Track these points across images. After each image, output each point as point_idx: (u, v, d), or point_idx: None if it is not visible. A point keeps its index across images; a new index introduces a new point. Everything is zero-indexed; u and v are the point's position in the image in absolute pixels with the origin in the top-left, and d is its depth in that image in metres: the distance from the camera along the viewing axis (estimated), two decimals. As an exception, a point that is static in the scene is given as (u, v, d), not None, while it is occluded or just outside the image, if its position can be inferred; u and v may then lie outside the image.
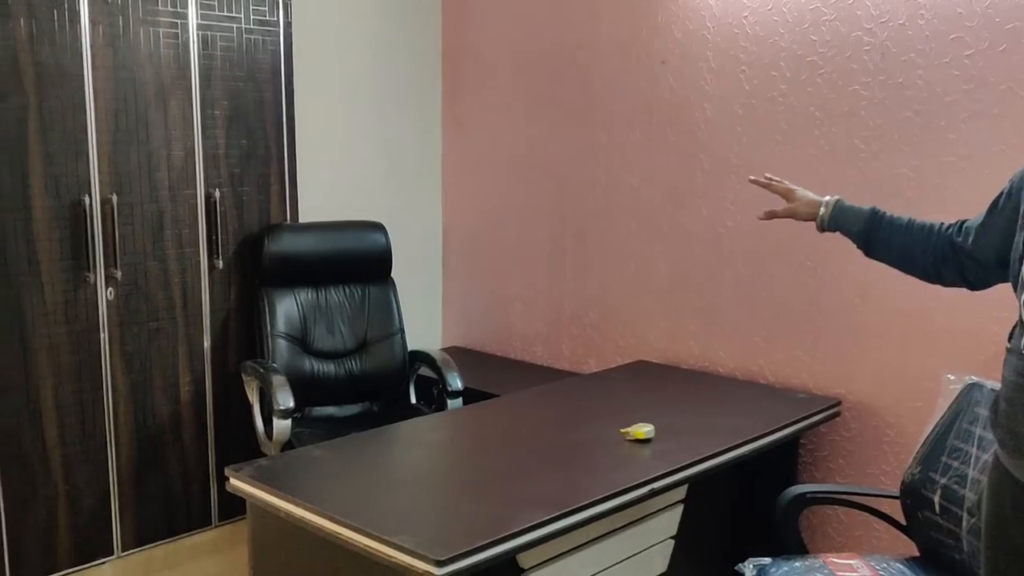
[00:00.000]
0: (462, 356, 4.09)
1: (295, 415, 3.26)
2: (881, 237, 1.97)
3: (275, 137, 3.47)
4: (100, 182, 3.03)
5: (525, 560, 2.14)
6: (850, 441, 3.05)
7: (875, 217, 1.99)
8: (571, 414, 2.80)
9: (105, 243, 3.06)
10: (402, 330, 3.54)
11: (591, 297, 3.77)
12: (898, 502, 2.41)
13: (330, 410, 3.43)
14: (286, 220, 3.53)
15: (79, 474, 3.08)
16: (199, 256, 3.31)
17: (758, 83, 3.17)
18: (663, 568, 2.59)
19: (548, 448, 2.46)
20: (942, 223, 1.91)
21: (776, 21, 3.10)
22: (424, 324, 4.26)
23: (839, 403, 2.98)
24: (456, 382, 3.27)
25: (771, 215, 2.17)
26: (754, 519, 2.90)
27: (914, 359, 2.86)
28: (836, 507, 3.01)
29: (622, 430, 2.49)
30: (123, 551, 3.22)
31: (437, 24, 4.18)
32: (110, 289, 3.09)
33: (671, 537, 2.58)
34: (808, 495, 2.51)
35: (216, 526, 3.43)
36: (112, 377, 3.13)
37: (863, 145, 2.94)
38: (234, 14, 3.31)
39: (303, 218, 3.60)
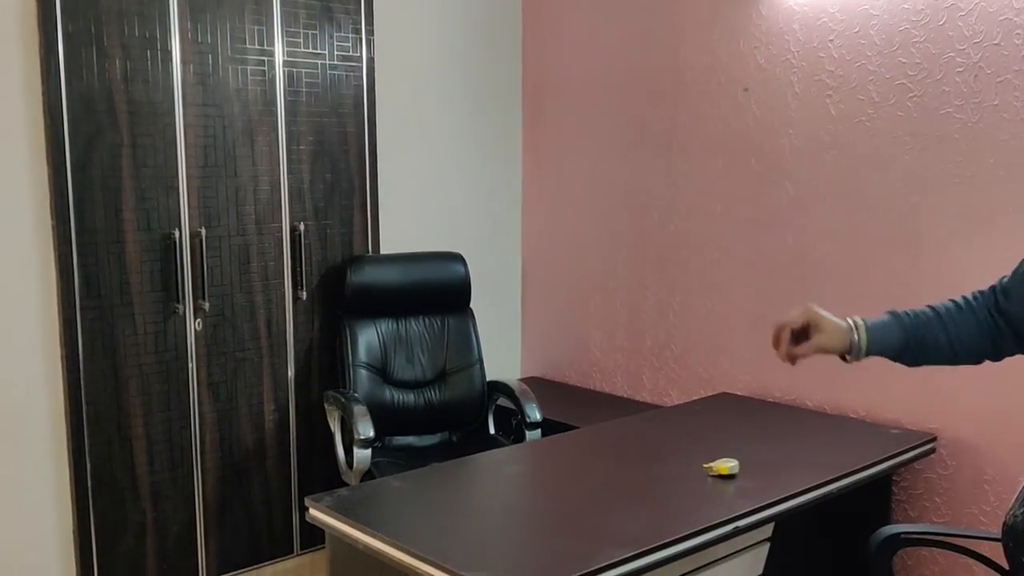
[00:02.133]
0: (541, 387, 4.07)
1: (375, 444, 3.29)
2: (927, 343, 1.72)
3: (358, 170, 3.53)
4: (189, 216, 3.12)
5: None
6: (947, 479, 2.91)
7: (904, 324, 1.72)
8: (652, 448, 2.74)
9: (194, 275, 3.14)
10: (481, 360, 3.53)
11: (672, 327, 3.71)
12: (999, 545, 2.27)
13: (409, 440, 3.44)
14: (368, 251, 3.57)
15: (167, 501, 3.15)
16: (284, 287, 3.37)
17: (844, 108, 3.09)
18: (749, 609, 2.50)
19: (629, 483, 2.41)
20: (970, 297, 1.75)
21: (863, 44, 3.02)
22: (503, 354, 4.25)
23: (934, 438, 2.85)
24: (535, 413, 3.25)
25: (794, 357, 1.77)
26: (845, 560, 2.78)
27: (1017, 393, 2.72)
28: (932, 549, 2.86)
29: (705, 465, 2.42)
30: (208, 578, 3.27)
31: (517, 54, 4.21)
32: (198, 320, 3.17)
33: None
34: (902, 535, 2.39)
35: (298, 554, 3.47)
36: (199, 406, 3.20)
37: (957, 171, 2.83)
38: (319, 50, 3.39)
39: (384, 249, 3.64)
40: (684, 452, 2.60)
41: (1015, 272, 1.69)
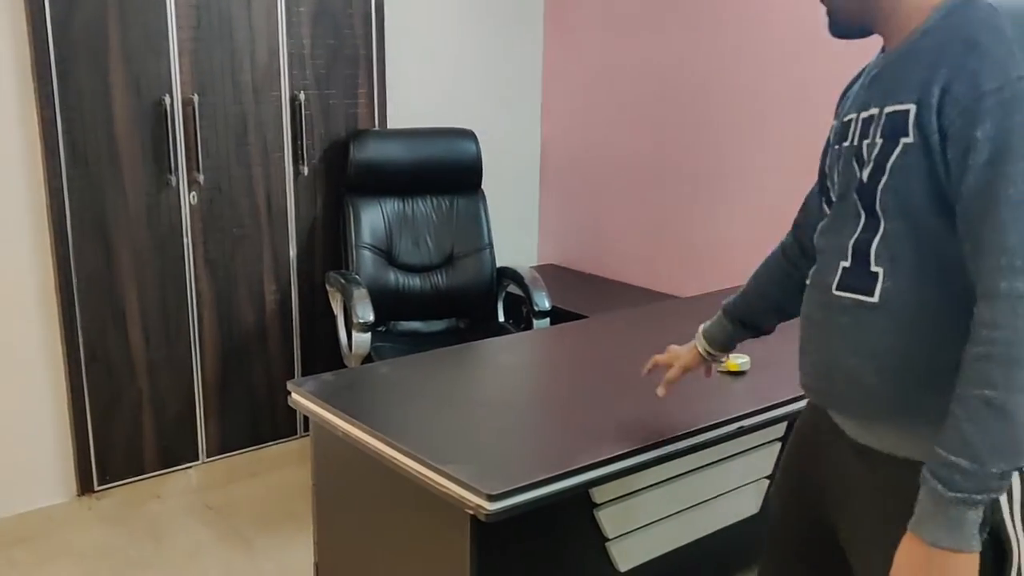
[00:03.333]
0: (556, 274, 3.91)
1: (379, 328, 3.17)
2: (745, 310, 1.74)
3: (363, 36, 3.30)
4: (181, 82, 2.94)
5: (600, 495, 1.97)
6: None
7: (726, 310, 1.77)
8: (662, 340, 2.56)
9: (187, 145, 2.98)
10: (491, 245, 3.37)
11: (696, 216, 3.50)
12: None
13: (415, 325, 3.32)
14: (374, 126, 3.37)
15: (164, 380, 3.07)
16: (284, 161, 3.20)
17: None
18: (755, 509, 2.37)
19: (632, 376, 2.26)
20: (776, 248, 1.72)
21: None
22: (519, 240, 4.09)
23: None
24: (543, 301, 3.10)
25: (667, 387, 1.86)
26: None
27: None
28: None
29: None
30: (208, 457, 3.22)
31: (541, -83, 3.88)
32: (193, 193, 3.02)
33: (765, 477, 2.36)
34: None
35: (301, 436, 3.41)
36: (196, 283, 3.09)
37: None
38: (321, -97, 3.12)
39: (391, 124, 3.44)
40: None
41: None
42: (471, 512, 1.58)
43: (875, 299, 1.22)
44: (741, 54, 3.24)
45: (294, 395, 2.08)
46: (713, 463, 2.15)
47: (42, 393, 2.88)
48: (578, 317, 3.16)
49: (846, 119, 1.31)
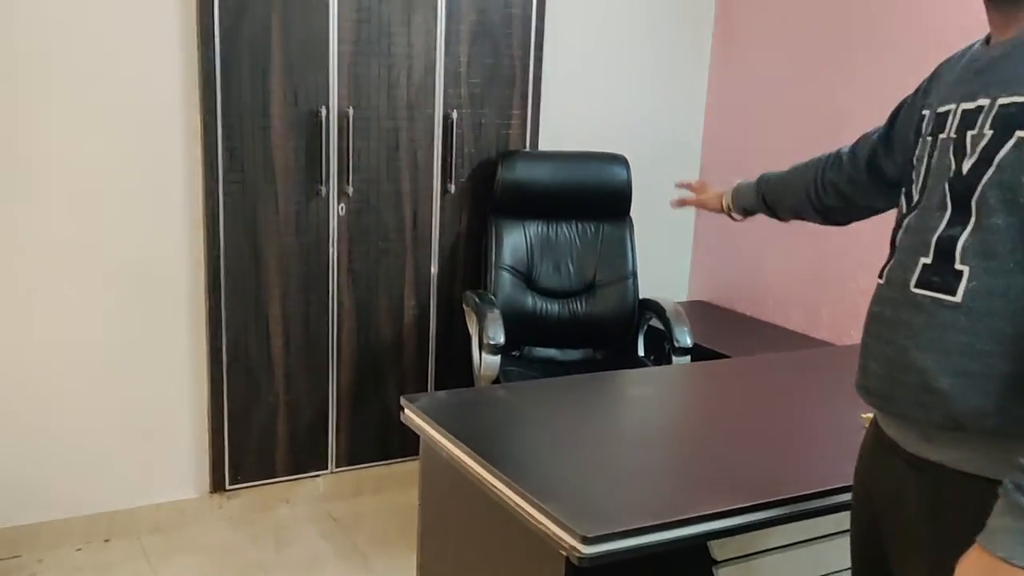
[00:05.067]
0: (706, 311, 3.72)
1: (512, 352, 3.10)
2: (772, 195, 1.95)
3: (521, 57, 3.26)
4: (338, 94, 2.98)
5: (720, 551, 1.79)
6: None
7: (761, 180, 1.97)
8: (808, 389, 2.37)
9: (340, 157, 3.02)
10: (634, 274, 3.23)
11: (862, 258, 3.23)
12: None
13: (550, 352, 3.22)
14: (525, 147, 3.32)
15: (300, 385, 3.11)
16: (432, 178, 3.19)
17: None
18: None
19: (770, 425, 2.08)
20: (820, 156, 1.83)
21: None
22: (669, 272, 3.92)
23: None
24: (684, 337, 2.93)
25: (681, 203, 2.23)
26: None
27: None
28: None
29: (864, 415, 2.04)
30: (336, 467, 3.23)
31: (715, -59, 3.74)
32: (342, 205, 3.06)
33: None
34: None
35: (431, 456, 3.36)
36: (338, 293, 3.11)
37: None
38: (487, -77, 3.12)
39: (543, 146, 3.38)
40: (845, 397, 2.21)
41: (890, 123, 1.61)
42: (564, 553, 1.46)
43: (957, 299, 1.15)
44: (902, 89, 2.97)
45: (406, 411, 2.02)
46: (842, 532, 1.93)
47: (184, 388, 2.97)
48: (721, 356, 2.98)
49: (941, 110, 1.26)
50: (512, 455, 1.76)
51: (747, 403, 2.24)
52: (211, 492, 3.06)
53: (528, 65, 3.27)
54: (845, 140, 3.45)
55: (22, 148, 2.64)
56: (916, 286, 1.22)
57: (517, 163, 3.18)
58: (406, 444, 3.32)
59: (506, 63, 3.23)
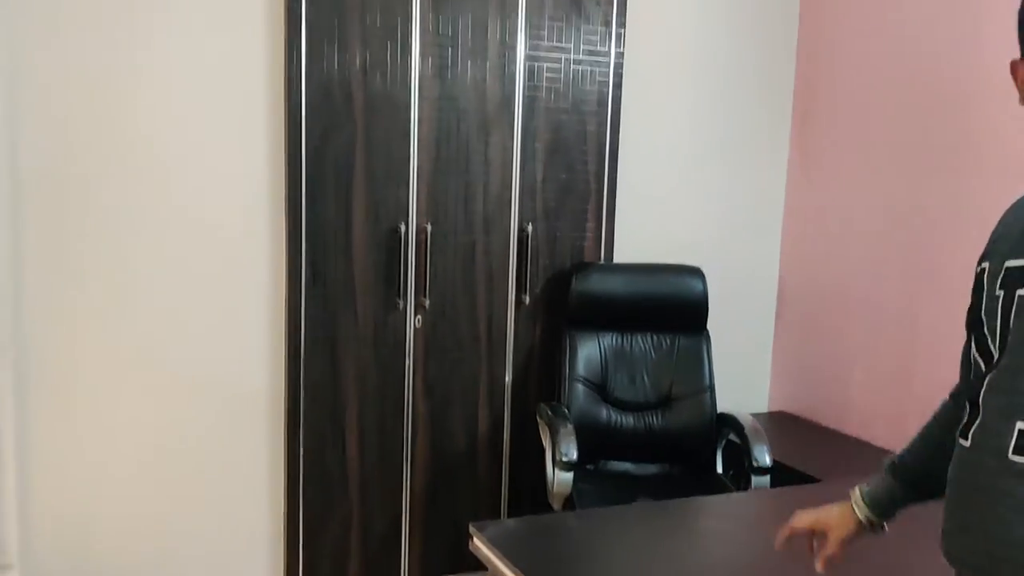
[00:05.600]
0: (787, 424, 3.63)
1: (587, 466, 3.07)
2: (925, 471, 1.49)
3: (595, 172, 3.31)
4: (418, 211, 3.07)
5: None
6: None
7: (898, 468, 1.53)
8: (899, 522, 2.27)
9: (417, 271, 3.09)
10: (712, 388, 3.18)
11: (949, 370, 3.12)
12: None
13: (625, 466, 3.17)
14: (599, 259, 3.34)
15: (375, 497, 3.13)
16: (507, 290, 3.23)
17: None
18: None
19: (858, 565, 1.99)
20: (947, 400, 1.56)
21: None
22: (749, 383, 3.85)
23: None
24: (764, 456, 2.86)
25: (826, 564, 1.58)
26: None
27: None
28: None
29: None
30: (409, 580, 3.21)
31: (790, 52, 3.77)
32: (418, 317, 3.11)
33: None
34: None
35: (504, 569, 3.32)
36: (413, 403, 3.15)
37: None
38: (564, 44, 3.21)
39: (619, 258, 3.39)
40: (936, 533, 2.11)
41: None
42: None
43: None
44: (998, 203, 2.91)
45: (475, 539, 2.01)
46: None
47: (262, 499, 3.02)
48: (804, 476, 2.89)
49: (1015, 264, 1.21)
50: (580, 593, 1.73)
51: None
52: (286, 607, 3.07)
53: (603, 180, 3.32)
54: (921, 245, 3.38)
55: (130, 256, 2.80)
56: (1015, 453, 1.15)
57: (591, 275, 3.20)
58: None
59: (581, 177, 3.29)
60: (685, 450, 3.16)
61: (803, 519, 1.59)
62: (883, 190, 3.40)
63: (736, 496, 2.68)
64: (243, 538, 3.02)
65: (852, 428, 3.52)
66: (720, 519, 2.30)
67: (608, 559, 1.93)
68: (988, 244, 1.34)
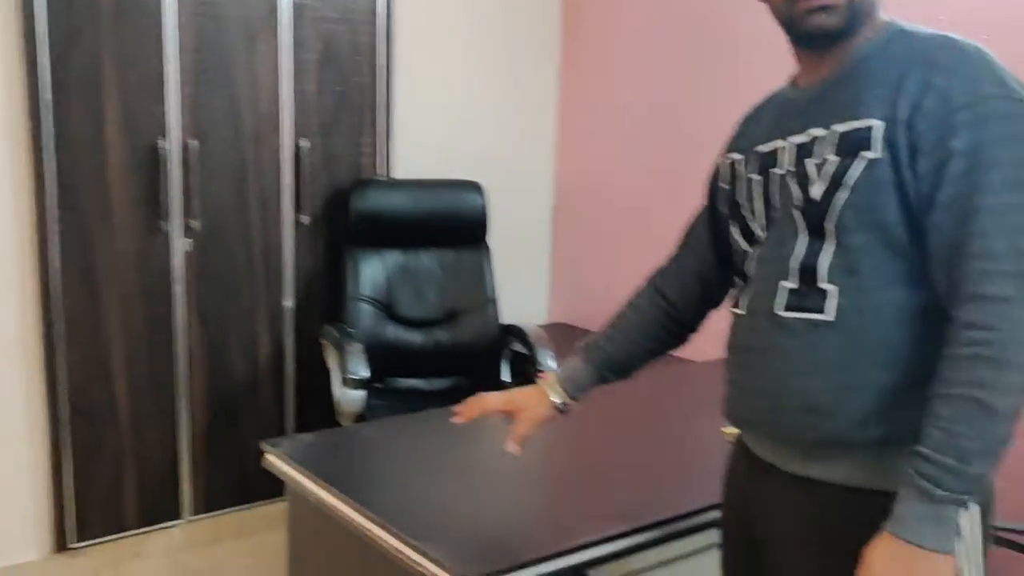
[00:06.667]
0: (567, 334, 3.76)
1: (375, 385, 3.03)
2: (622, 357, 1.59)
3: (370, 85, 3.22)
4: (179, 126, 2.85)
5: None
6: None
7: (594, 355, 1.59)
8: (671, 407, 2.42)
9: (184, 191, 2.88)
10: (495, 300, 3.23)
11: (712, 275, 3.35)
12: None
13: (414, 382, 3.17)
14: (379, 175, 3.27)
15: (148, 432, 2.94)
16: (283, 211, 3.09)
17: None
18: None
19: (637, 447, 2.11)
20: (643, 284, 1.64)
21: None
22: (528, 296, 3.95)
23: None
24: (549, 361, 2.95)
25: (519, 444, 1.59)
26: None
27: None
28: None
29: (724, 430, 2.10)
30: (192, 515, 3.06)
31: (557, -33, 3.81)
32: (187, 241, 2.92)
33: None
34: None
35: (293, 497, 3.24)
36: (187, 334, 2.96)
37: None
38: (331, -51, 3.06)
39: (398, 174, 3.34)
40: (706, 413, 2.27)
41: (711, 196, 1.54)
42: (446, 596, 1.42)
43: (829, 316, 1.20)
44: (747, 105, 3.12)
45: (268, 456, 1.93)
46: (712, 545, 1.97)
47: (21, 443, 2.75)
48: (585, 379, 3.01)
49: (765, 149, 1.32)
50: (383, 496, 1.71)
51: (614, 425, 2.26)
52: (55, 552, 2.83)
53: (378, 92, 3.23)
54: (689, 149, 3.55)
55: None
56: (786, 310, 1.25)
57: (370, 192, 3.13)
58: (268, 486, 3.17)
59: (356, 91, 3.18)
60: (473, 362, 3.20)
61: (495, 400, 1.61)
62: (655, 97, 3.54)
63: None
64: (3, 485, 2.74)
65: (626, 333, 3.71)
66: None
67: (407, 462, 1.93)
68: (734, 139, 1.46)
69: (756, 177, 1.34)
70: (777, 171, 1.29)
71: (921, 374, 1.13)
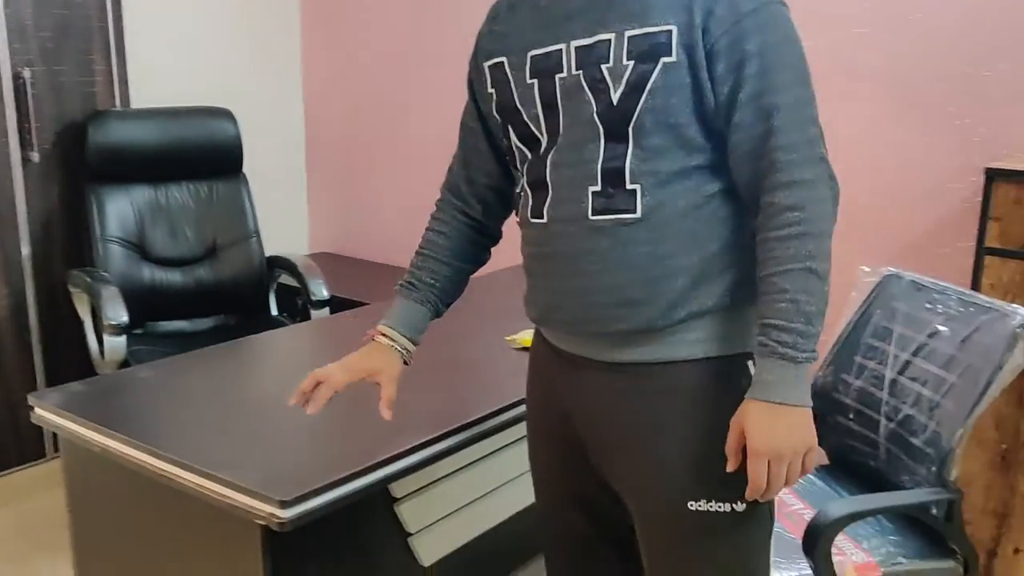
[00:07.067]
0: (332, 263, 3.72)
1: (135, 331, 2.86)
2: (448, 290, 1.57)
3: (98, 5, 2.94)
4: None
5: (399, 489, 1.84)
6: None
7: (424, 295, 1.54)
8: (451, 323, 2.48)
9: None
10: (257, 233, 3.12)
11: (472, 194, 3.42)
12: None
13: (178, 325, 3.02)
14: (115, 106, 3.03)
15: None
16: (8, 148, 2.79)
17: None
18: (554, 487, 2.34)
19: (425, 362, 2.14)
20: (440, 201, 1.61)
21: None
22: (287, 227, 3.85)
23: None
24: (321, 290, 2.91)
25: (388, 407, 1.51)
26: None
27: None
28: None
29: (507, 337, 2.20)
30: (-66, 492, 2.78)
31: None
32: None
33: (563, 453, 2.33)
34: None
35: (52, 458, 3.01)
36: (-95, 292, 2.63)
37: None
38: None
39: (138, 104, 3.11)
40: (486, 325, 2.36)
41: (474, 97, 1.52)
42: (262, 523, 1.40)
43: (637, 215, 1.25)
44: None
45: (38, 410, 1.79)
46: (515, 442, 2.08)
47: None
48: (360, 305, 3.01)
49: (541, 51, 1.30)
50: (175, 437, 1.64)
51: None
52: None
53: (106, 13, 2.96)
54: (433, 71, 3.57)
55: None
56: (594, 214, 1.27)
57: (109, 124, 2.89)
58: (21, 451, 2.94)
59: (80, 14, 2.90)
60: (238, 299, 3.10)
61: (341, 376, 1.49)
62: (393, 13, 3.51)
63: (304, 325, 2.71)
64: None
65: (395, 259, 3.73)
66: (297, 346, 2.32)
67: (192, 401, 1.85)
68: (489, 41, 1.41)
69: (531, 81, 1.32)
70: (562, 76, 1.28)
71: (715, 252, 1.26)
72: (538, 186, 1.35)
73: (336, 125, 3.79)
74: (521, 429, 2.05)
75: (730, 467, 1.24)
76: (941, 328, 1.85)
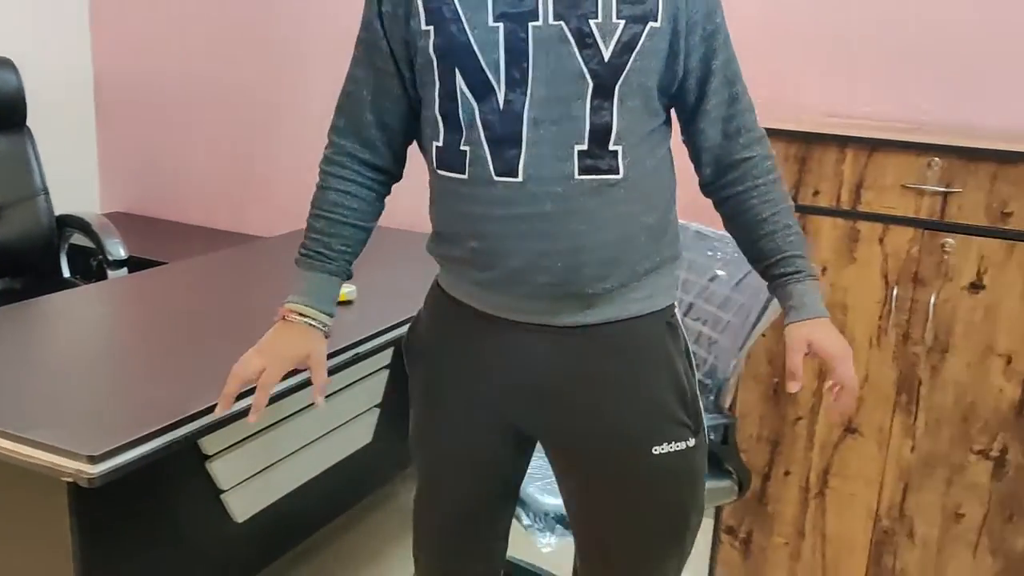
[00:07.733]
0: (127, 222, 3.56)
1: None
2: (355, 255, 1.49)
3: None
4: None
5: (210, 446, 1.84)
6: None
7: (335, 265, 1.45)
8: (256, 280, 2.47)
9: None
10: (46, 191, 2.95)
11: (286, 156, 3.37)
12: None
13: (-41, 291, 2.82)
14: None
15: None
16: None
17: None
18: (368, 439, 2.40)
19: (230, 319, 2.13)
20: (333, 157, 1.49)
21: None
22: (78, 185, 3.64)
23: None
24: (118, 250, 2.80)
25: (322, 393, 1.46)
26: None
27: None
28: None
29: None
30: None
31: None
32: None
33: (376, 406, 2.39)
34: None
35: None
36: None
37: None
38: None
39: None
40: (278, 283, 2.36)
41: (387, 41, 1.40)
42: (70, 480, 1.38)
43: (620, 175, 1.28)
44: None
45: None
46: (326, 397, 2.11)
47: None
48: (155, 263, 2.92)
49: None
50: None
51: (199, 303, 2.25)
52: None
53: None
54: (235, 16, 3.41)
55: None
56: (581, 173, 1.25)
57: None
58: None
59: None
60: (25, 261, 2.92)
61: (277, 370, 1.40)
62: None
63: (99, 285, 2.60)
64: None
65: (195, 218, 3.61)
66: (94, 306, 2.23)
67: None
68: None
69: (495, 24, 1.23)
70: (537, 24, 1.22)
71: (663, 210, 1.35)
72: (504, 141, 1.25)
73: (127, 79, 3.61)
74: (335, 383, 2.09)
75: (797, 388, 1.37)
76: (719, 272, 2.04)
